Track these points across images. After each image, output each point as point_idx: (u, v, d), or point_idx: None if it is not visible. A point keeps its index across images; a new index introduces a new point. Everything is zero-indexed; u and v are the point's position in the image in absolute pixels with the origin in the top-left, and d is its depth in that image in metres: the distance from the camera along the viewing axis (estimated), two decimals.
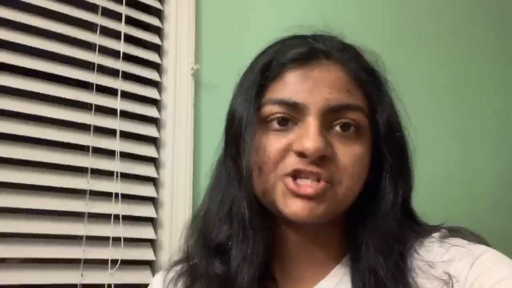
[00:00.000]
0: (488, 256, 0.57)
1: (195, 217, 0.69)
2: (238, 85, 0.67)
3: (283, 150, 0.59)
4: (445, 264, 0.58)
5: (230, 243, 0.62)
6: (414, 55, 1.63)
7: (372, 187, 0.63)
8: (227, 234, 0.63)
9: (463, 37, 1.78)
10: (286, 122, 0.60)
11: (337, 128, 0.60)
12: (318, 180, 0.58)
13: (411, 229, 0.63)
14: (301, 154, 0.57)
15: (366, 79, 0.63)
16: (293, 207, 0.58)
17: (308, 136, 0.57)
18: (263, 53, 0.66)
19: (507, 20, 1.92)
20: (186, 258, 0.67)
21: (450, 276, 0.56)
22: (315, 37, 0.66)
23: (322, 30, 0.68)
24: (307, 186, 0.57)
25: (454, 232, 0.63)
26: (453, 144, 1.64)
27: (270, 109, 0.61)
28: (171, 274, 0.69)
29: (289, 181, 0.58)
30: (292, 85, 0.61)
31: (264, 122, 0.61)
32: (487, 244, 0.61)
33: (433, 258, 0.59)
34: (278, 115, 0.60)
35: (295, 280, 0.64)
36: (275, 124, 0.61)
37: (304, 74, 0.61)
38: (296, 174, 0.58)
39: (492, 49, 1.85)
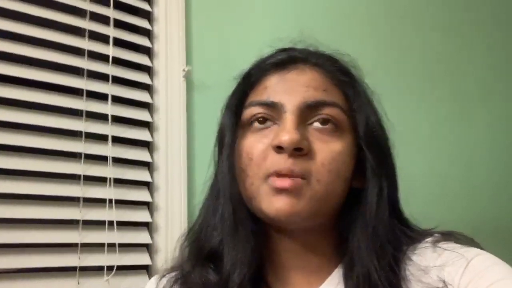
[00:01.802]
0: (480, 259, 0.57)
1: (189, 229, 0.70)
2: (226, 101, 0.69)
3: (264, 150, 0.60)
4: (438, 269, 0.58)
5: (221, 248, 0.63)
6: (410, 52, 1.62)
7: (360, 189, 0.63)
8: (218, 239, 0.64)
9: (459, 32, 1.77)
10: (265, 121, 0.62)
11: (315, 123, 0.61)
12: (293, 176, 0.58)
13: (403, 233, 0.63)
14: (278, 148, 0.59)
15: (343, 79, 0.66)
16: (276, 204, 0.58)
17: (284, 129, 0.59)
18: (247, 67, 0.69)
19: (503, 16, 1.91)
20: (180, 266, 0.68)
21: (444, 283, 0.56)
22: (293, 48, 0.69)
23: (299, 40, 0.71)
24: (284, 180, 0.58)
25: (447, 236, 0.62)
26: (449, 143, 1.64)
27: (250, 111, 0.64)
28: (164, 281, 0.69)
29: (271, 179, 0.59)
30: (271, 87, 0.64)
31: (247, 126, 0.64)
32: (480, 247, 0.60)
33: (427, 263, 0.59)
34: (258, 115, 0.63)
35: (289, 287, 0.64)
36: (255, 124, 0.63)
37: (281, 77, 0.64)
38: (277, 175, 0.59)
39: (489, 44, 1.84)
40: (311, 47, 0.70)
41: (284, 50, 0.69)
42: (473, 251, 0.59)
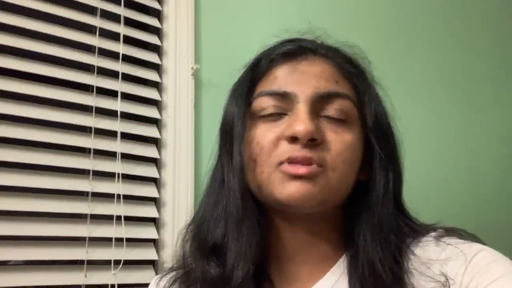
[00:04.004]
0: (483, 255, 0.57)
1: (191, 221, 0.69)
2: (231, 89, 0.69)
3: (276, 139, 0.60)
4: (441, 263, 0.58)
5: (225, 241, 0.63)
6: (413, 50, 1.62)
7: (365, 182, 0.64)
8: (222, 232, 0.63)
9: (467, 28, 1.76)
10: (277, 114, 0.62)
11: (327, 115, 0.61)
12: (311, 164, 0.58)
13: (407, 225, 0.64)
14: (292, 139, 0.58)
15: (353, 71, 0.66)
16: (290, 189, 0.58)
17: (298, 120, 0.59)
18: (255, 56, 0.69)
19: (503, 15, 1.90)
20: (182, 264, 0.67)
21: (446, 278, 0.56)
22: (301, 39, 0.68)
23: (308, 32, 0.70)
24: (301, 167, 0.58)
25: (451, 231, 0.63)
26: (454, 139, 1.64)
27: (261, 101, 0.63)
28: (164, 281, 0.69)
29: (285, 165, 0.59)
30: (281, 78, 0.63)
31: (256, 116, 0.63)
32: (483, 243, 0.60)
33: (430, 257, 0.60)
34: (269, 109, 0.62)
35: (292, 280, 0.64)
36: (266, 116, 0.62)
37: (292, 67, 0.63)
38: (290, 162, 0.59)
39: (494, 43, 1.83)
40: (318, 39, 0.69)
41: (291, 40, 0.68)
42: (476, 246, 0.59)
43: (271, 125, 0.61)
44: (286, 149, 0.59)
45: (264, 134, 0.61)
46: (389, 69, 1.48)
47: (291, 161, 0.58)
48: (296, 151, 0.58)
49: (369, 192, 0.63)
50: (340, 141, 0.60)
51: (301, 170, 0.58)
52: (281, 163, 0.59)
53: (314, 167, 0.58)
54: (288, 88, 0.61)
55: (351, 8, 1.53)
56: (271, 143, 0.60)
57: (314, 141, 0.58)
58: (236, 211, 0.61)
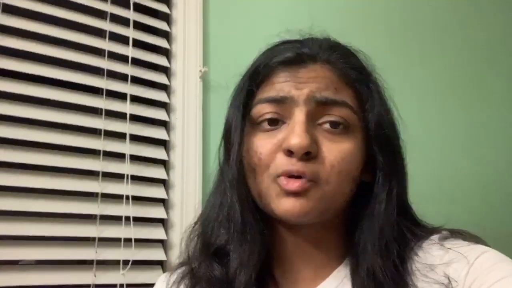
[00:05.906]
0: (486, 256, 0.57)
1: (196, 222, 0.70)
2: (232, 94, 0.69)
3: (274, 151, 0.60)
4: (444, 266, 0.58)
5: (228, 246, 0.64)
6: (423, 53, 1.62)
7: (369, 188, 0.64)
8: (225, 238, 0.64)
9: (469, 32, 1.76)
10: (276, 122, 0.62)
11: (325, 125, 0.61)
12: (303, 177, 0.59)
13: (410, 230, 0.63)
14: (288, 152, 0.59)
15: (355, 77, 0.64)
16: (284, 206, 0.59)
17: (294, 133, 0.59)
18: (253, 62, 0.68)
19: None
20: (188, 261, 0.68)
21: (450, 280, 0.56)
22: (302, 42, 0.67)
23: (310, 33, 0.70)
24: (293, 182, 0.58)
25: (454, 233, 0.63)
26: (463, 147, 1.63)
27: (259, 109, 0.63)
28: (174, 276, 0.70)
29: (281, 179, 0.59)
30: (279, 84, 0.63)
31: (255, 124, 0.63)
32: (487, 245, 0.60)
33: (433, 260, 0.60)
34: (267, 115, 0.62)
35: (295, 282, 0.65)
36: (265, 125, 0.62)
37: (290, 74, 0.63)
38: (287, 175, 0.59)
39: (505, 47, 1.82)
40: (321, 38, 0.68)
41: (290, 42, 0.67)
42: (479, 248, 0.59)
43: (269, 135, 0.62)
44: (283, 162, 0.59)
45: (263, 145, 0.61)
46: (398, 72, 1.48)
47: (287, 174, 0.59)
48: (292, 164, 0.59)
49: (371, 200, 0.63)
50: (336, 151, 0.60)
51: (294, 185, 0.58)
52: (278, 175, 0.59)
53: (304, 182, 0.58)
54: (285, 93, 0.61)
55: (361, 10, 1.53)
56: (270, 155, 0.60)
57: (309, 154, 0.59)
58: (237, 220, 0.62)
